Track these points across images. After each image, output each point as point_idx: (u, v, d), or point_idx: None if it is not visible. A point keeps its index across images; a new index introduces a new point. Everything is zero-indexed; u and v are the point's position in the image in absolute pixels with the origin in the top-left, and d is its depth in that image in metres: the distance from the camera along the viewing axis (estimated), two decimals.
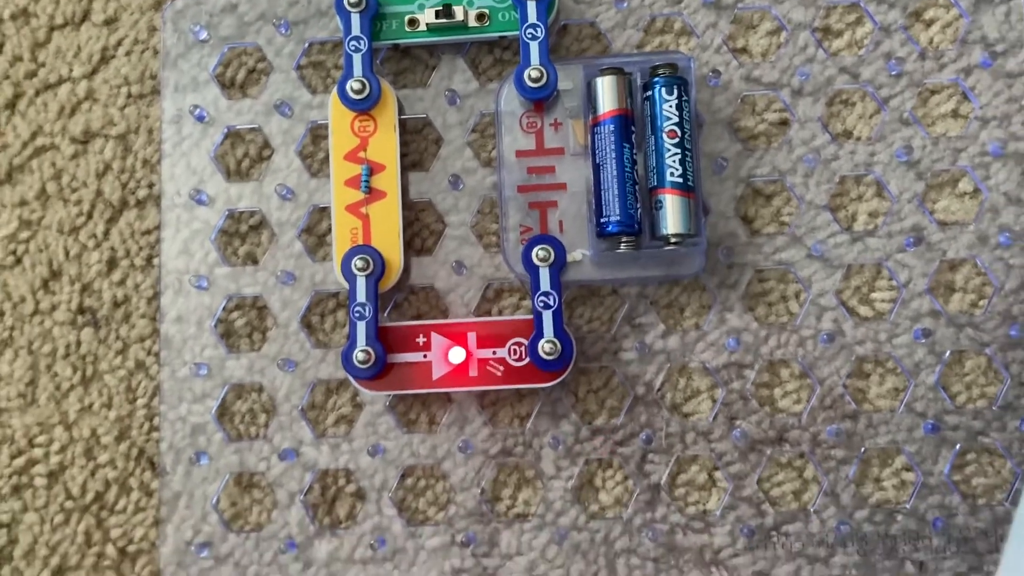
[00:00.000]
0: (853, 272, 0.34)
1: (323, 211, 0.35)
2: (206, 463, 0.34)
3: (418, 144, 0.35)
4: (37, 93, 0.37)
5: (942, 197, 0.34)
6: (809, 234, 0.34)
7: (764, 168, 0.34)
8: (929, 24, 0.35)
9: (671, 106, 0.33)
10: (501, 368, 0.33)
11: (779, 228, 0.34)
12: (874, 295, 0.34)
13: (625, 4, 0.35)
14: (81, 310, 0.35)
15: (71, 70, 0.37)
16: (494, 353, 0.33)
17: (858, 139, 0.34)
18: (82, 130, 0.36)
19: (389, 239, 0.34)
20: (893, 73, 0.34)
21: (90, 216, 0.36)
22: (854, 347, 0.33)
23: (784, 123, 0.35)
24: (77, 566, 0.34)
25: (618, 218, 0.32)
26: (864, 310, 0.34)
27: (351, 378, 0.33)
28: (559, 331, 0.32)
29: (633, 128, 0.33)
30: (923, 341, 0.33)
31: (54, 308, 0.36)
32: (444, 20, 0.34)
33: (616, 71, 0.33)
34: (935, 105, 0.34)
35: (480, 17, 0.35)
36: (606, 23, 0.36)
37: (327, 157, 0.35)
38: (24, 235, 0.36)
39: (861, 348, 0.33)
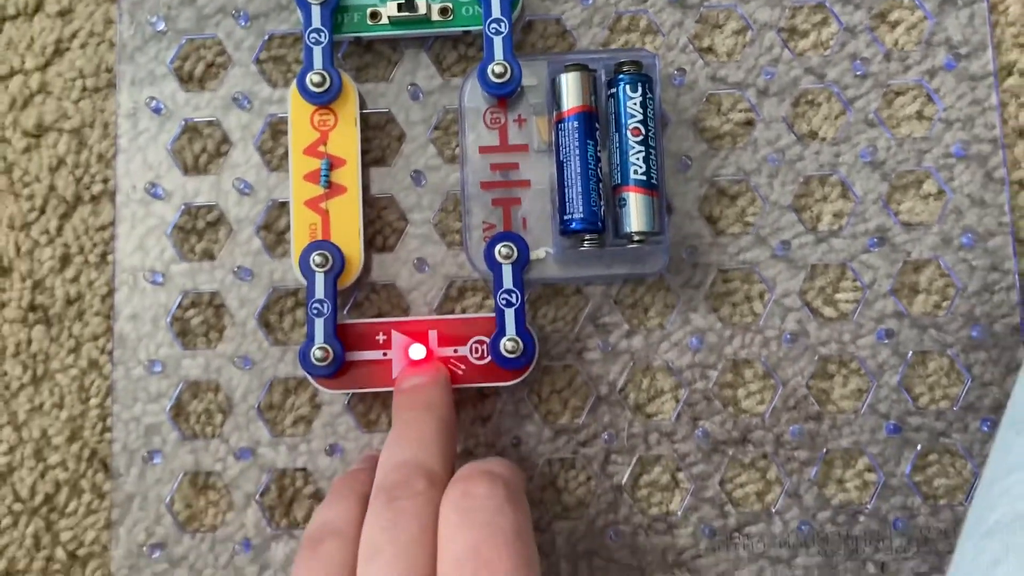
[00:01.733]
0: (817, 273, 0.34)
1: (282, 206, 0.35)
2: (160, 463, 0.33)
3: (380, 140, 0.35)
4: None
5: (906, 198, 0.34)
6: (773, 234, 0.34)
7: (729, 168, 0.34)
8: (894, 26, 0.35)
9: (635, 104, 0.32)
10: (463, 367, 0.33)
11: (743, 228, 0.34)
12: (838, 296, 0.34)
13: (591, 1, 0.35)
14: (32, 307, 0.35)
15: (23, 62, 0.36)
16: (455, 351, 0.33)
17: (823, 140, 0.34)
18: (35, 123, 0.35)
19: (349, 235, 0.33)
20: (858, 74, 0.34)
21: (43, 211, 0.35)
22: (818, 348, 0.33)
23: (749, 123, 0.35)
24: (26, 570, 0.34)
25: (581, 215, 0.32)
26: (828, 311, 0.34)
27: (309, 376, 0.32)
28: (521, 329, 0.32)
29: (597, 125, 0.33)
30: (886, 342, 0.33)
31: (4, 305, 0.35)
32: (406, 14, 0.34)
33: (581, 67, 0.33)
34: (900, 106, 0.34)
35: (443, 11, 0.34)
36: (572, 20, 0.35)
37: (286, 152, 0.34)
38: None
39: (825, 349, 0.33)
